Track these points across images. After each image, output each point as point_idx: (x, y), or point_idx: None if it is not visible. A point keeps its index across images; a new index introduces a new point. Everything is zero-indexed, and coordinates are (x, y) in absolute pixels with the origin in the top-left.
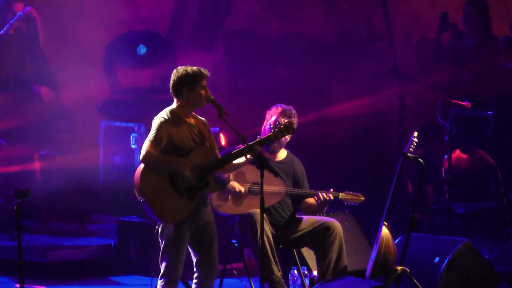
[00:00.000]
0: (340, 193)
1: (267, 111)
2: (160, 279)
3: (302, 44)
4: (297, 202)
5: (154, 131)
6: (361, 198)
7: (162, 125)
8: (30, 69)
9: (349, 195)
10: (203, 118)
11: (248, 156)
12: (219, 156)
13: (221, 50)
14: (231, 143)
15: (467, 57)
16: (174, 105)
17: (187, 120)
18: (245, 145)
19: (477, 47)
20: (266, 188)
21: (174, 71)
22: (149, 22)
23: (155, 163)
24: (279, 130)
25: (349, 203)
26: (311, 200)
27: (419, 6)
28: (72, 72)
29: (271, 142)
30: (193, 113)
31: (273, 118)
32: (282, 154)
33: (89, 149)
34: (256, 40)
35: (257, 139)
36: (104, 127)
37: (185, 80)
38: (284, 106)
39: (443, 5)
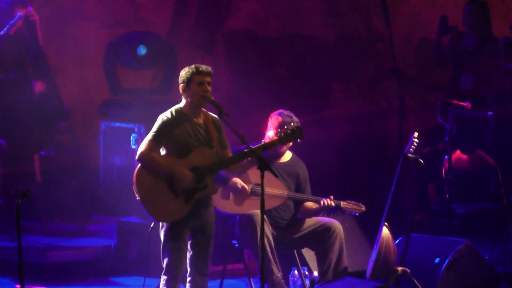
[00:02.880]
0: (341, 202)
1: (270, 116)
2: (163, 276)
3: (302, 45)
4: (298, 205)
5: (154, 130)
6: (362, 208)
7: (163, 124)
8: (30, 69)
9: (350, 205)
10: (215, 115)
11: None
12: (230, 155)
13: (221, 51)
14: (231, 143)
15: (467, 58)
16: (182, 103)
17: (194, 119)
18: (247, 145)
19: (477, 48)
20: (269, 190)
21: None
22: (149, 22)
23: (150, 164)
24: (286, 135)
25: (350, 213)
26: (309, 204)
27: (419, 7)
28: (72, 72)
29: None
30: (205, 110)
31: (271, 132)
32: (287, 155)
33: (89, 149)
34: (256, 40)
35: (262, 143)
36: (104, 128)
37: (182, 78)
38: (283, 117)
39: (443, 6)
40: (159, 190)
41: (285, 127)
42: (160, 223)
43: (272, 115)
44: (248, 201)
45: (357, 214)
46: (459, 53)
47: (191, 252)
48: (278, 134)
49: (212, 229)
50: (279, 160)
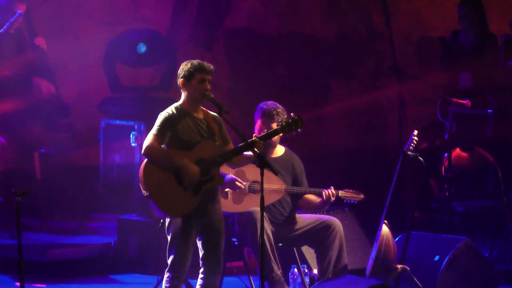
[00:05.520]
0: (339, 191)
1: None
2: (166, 273)
3: (302, 43)
4: (296, 199)
5: (158, 126)
6: (361, 196)
7: (165, 119)
8: (30, 68)
9: (349, 193)
10: (215, 114)
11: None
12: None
13: (221, 49)
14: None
15: (467, 56)
16: (181, 100)
17: (195, 114)
18: (246, 142)
19: (476, 46)
20: (266, 186)
21: None
22: (149, 20)
23: (157, 157)
24: (287, 124)
25: (348, 201)
26: (310, 197)
27: (419, 5)
28: (72, 71)
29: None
30: (204, 108)
31: (258, 124)
32: (280, 150)
33: (89, 147)
34: (256, 38)
35: (263, 133)
36: (104, 126)
37: (183, 71)
38: (264, 107)
39: (443, 4)
40: (168, 184)
41: (270, 115)
42: (167, 221)
43: (256, 110)
44: (246, 198)
45: (356, 202)
46: (458, 51)
47: (203, 251)
48: (279, 124)
49: (221, 225)
50: (272, 155)
